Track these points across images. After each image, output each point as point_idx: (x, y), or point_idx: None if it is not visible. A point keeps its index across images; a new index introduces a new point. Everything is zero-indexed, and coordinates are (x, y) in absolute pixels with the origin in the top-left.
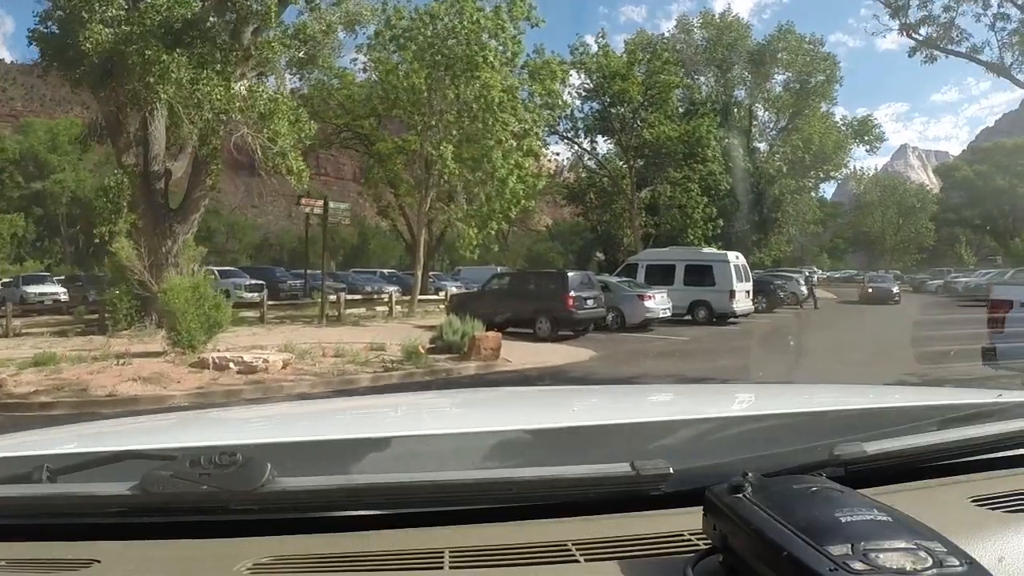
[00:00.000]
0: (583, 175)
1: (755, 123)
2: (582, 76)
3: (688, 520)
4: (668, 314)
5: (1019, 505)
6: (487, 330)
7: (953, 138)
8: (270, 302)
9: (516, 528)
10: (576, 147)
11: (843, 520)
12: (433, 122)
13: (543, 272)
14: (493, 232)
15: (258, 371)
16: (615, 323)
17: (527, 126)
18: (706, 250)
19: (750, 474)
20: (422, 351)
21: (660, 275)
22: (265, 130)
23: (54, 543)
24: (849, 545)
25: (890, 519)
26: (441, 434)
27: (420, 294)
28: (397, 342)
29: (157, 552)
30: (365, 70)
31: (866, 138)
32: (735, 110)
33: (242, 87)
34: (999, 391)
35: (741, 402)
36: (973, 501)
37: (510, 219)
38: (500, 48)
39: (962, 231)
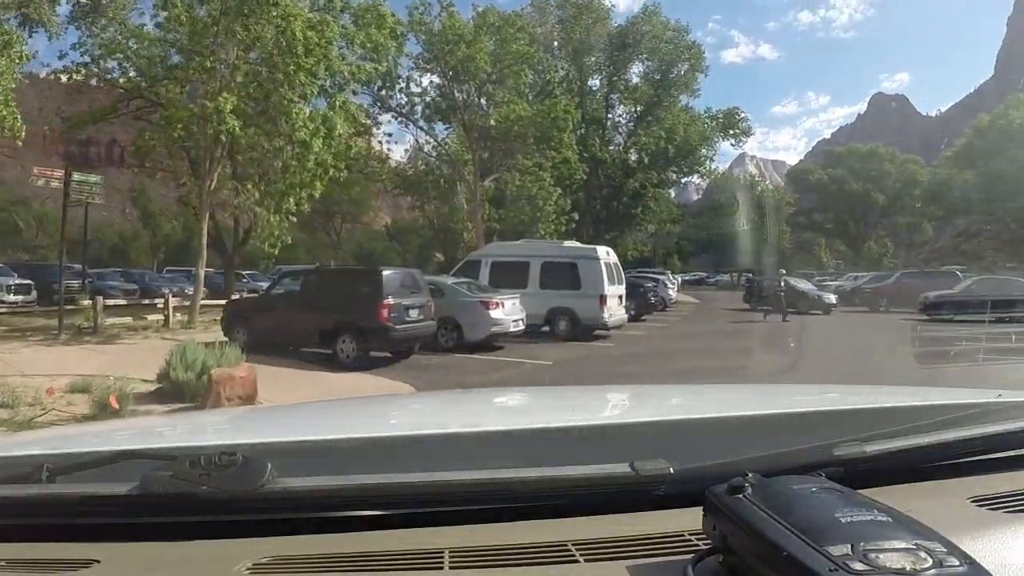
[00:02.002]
0: (421, 165)
1: (611, 113)
2: (421, 42)
3: (688, 520)
4: (521, 327)
5: (1019, 505)
6: (267, 352)
7: (792, 149)
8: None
9: (516, 528)
10: (411, 125)
11: (843, 520)
12: (209, 63)
13: (349, 270)
14: (293, 213)
15: None
16: (450, 340)
17: (343, 79)
18: (569, 244)
19: (750, 474)
20: (115, 404)
21: (510, 276)
22: None
23: (54, 543)
24: (849, 545)
25: (890, 519)
26: (441, 434)
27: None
28: (142, 372)
29: (157, 552)
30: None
31: (732, 131)
32: (591, 98)
33: None
34: (999, 391)
35: (741, 402)
36: (973, 501)
37: (314, 196)
38: None
39: (814, 235)
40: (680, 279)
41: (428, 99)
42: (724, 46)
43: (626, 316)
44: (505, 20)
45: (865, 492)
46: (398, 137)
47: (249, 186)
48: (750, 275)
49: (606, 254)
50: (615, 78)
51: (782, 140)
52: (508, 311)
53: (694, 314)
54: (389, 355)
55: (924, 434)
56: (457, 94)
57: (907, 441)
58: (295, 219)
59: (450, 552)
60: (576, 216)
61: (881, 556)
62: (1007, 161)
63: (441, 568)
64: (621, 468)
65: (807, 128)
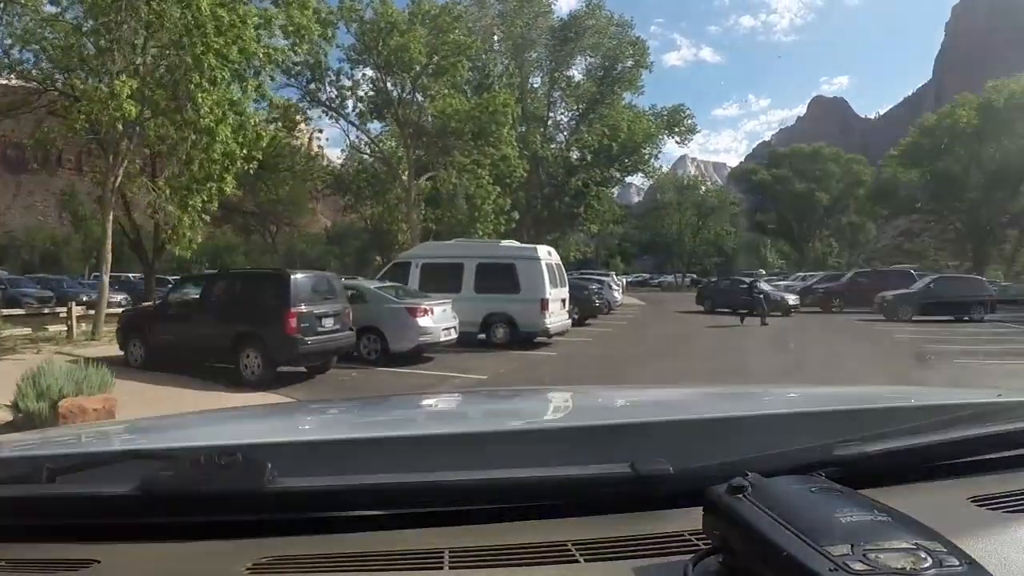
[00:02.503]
0: (356, 163)
1: (553, 111)
2: (352, 31)
3: (688, 520)
4: (453, 336)
5: (1019, 505)
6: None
7: (732, 151)
8: None
9: (516, 528)
10: (342, 121)
11: (843, 520)
12: (104, 42)
13: (253, 274)
14: (203, 211)
15: None
16: (373, 352)
17: (259, 63)
18: (506, 244)
19: (750, 474)
20: None
21: (442, 279)
22: None
23: (54, 543)
24: (849, 545)
25: (890, 519)
26: (441, 434)
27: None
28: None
29: (157, 552)
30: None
31: (677, 129)
32: (533, 95)
33: None
34: (999, 391)
35: (741, 402)
36: (973, 501)
37: (224, 191)
38: None
39: (758, 235)
40: (624, 280)
41: (361, 93)
42: (666, 49)
43: (570, 321)
44: (442, 9)
45: (865, 492)
46: (338, 135)
47: (159, 182)
48: (697, 276)
49: (547, 254)
50: (557, 74)
51: (723, 142)
52: (438, 318)
53: (643, 317)
54: (304, 370)
55: (924, 434)
56: (391, 88)
57: (907, 441)
58: (207, 217)
59: (450, 552)
60: (516, 215)
61: (881, 556)
62: (953, 160)
63: (441, 568)
64: (621, 468)
65: (748, 130)
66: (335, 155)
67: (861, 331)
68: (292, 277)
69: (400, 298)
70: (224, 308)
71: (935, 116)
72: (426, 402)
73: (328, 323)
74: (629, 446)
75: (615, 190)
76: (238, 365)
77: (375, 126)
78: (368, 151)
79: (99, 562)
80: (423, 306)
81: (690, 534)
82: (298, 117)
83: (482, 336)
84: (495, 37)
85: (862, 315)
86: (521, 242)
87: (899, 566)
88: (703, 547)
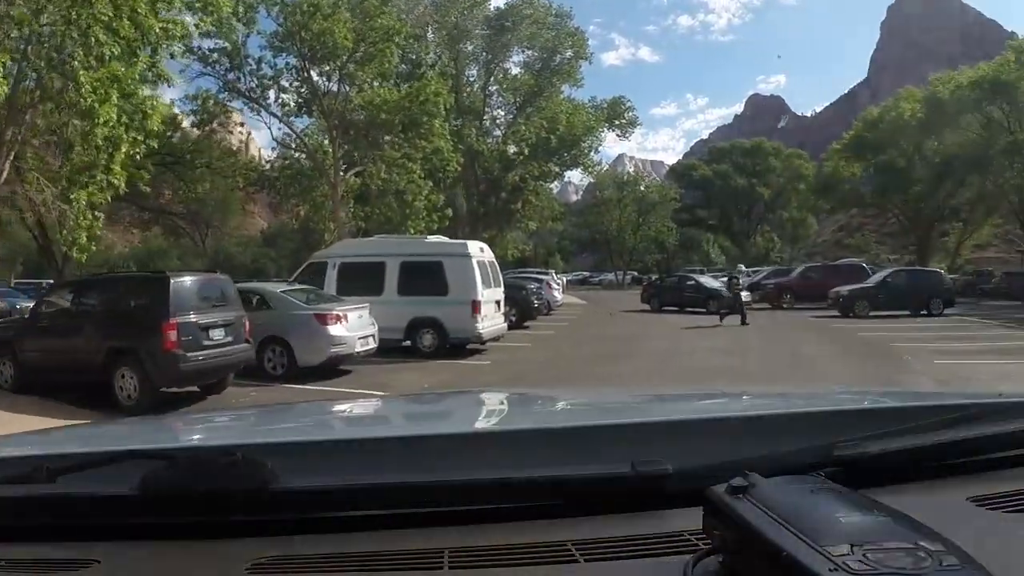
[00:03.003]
0: (283, 159)
1: (489, 103)
2: (273, 16)
3: (688, 520)
4: (372, 345)
5: (1019, 505)
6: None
7: (670, 149)
8: None
9: (516, 528)
10: (264, 113)
11: (843, 520)
12: None
13: (127, 278)
14: (83, 205)
15: None
16: (279, 367)
17: (155, 38)
18: (433, 240)
19: (750, 474)
20: None
21: (362, 280)
22: None
23: (54, 543)
24: (849, 545)
25: (890, 519)
26: (441, 434)
27: None
28: None
29: (157, 552)
30: None
31: (617, 122)
32: (468, 88)
33: None
34: (999, 391)
35: (741, 402)
36: (973, 501)
37: (115, 183)
38: None
39: (699, 231)
40: (564, 279)
41: (285, 84)
42: (605, 48)
43: (505, 325)
44: None
45: (865, 492)
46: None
47: (31, 174)
48: (638, 274)
49: (479, 251)
50: (494, 66)
51: (661, 141)
52: (353, 325)
53: (586, 318)
54: (196, 390)
55: (924, 434)
56: (315, 77)
57: (907, 441)
58: (99, 214)
59: (450, 552)
60: (450, 212)
61: (881, 556)
62: (898, 153)
63: (441, 568)
64: (621, 468)
65: (686, 129)
66: (267, 151)
67: (823, 329)
68: (172, 281)
69: (310, 303)
70: (95, 319)
71: (878, 109)
72: (426, 402)
73: (218, 335)
74: (629, 446)
75: (554, 185)
76: (113, 387)
77: (302, 120)
78: (294, 145)
79: (99, 562)
80: (335, 312)
81: (690, 534)
82: (215, 108)
83: (408, 343)
84: (429, 28)
85: (815, 311)
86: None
87: (899, 566)
88: (703, 547)
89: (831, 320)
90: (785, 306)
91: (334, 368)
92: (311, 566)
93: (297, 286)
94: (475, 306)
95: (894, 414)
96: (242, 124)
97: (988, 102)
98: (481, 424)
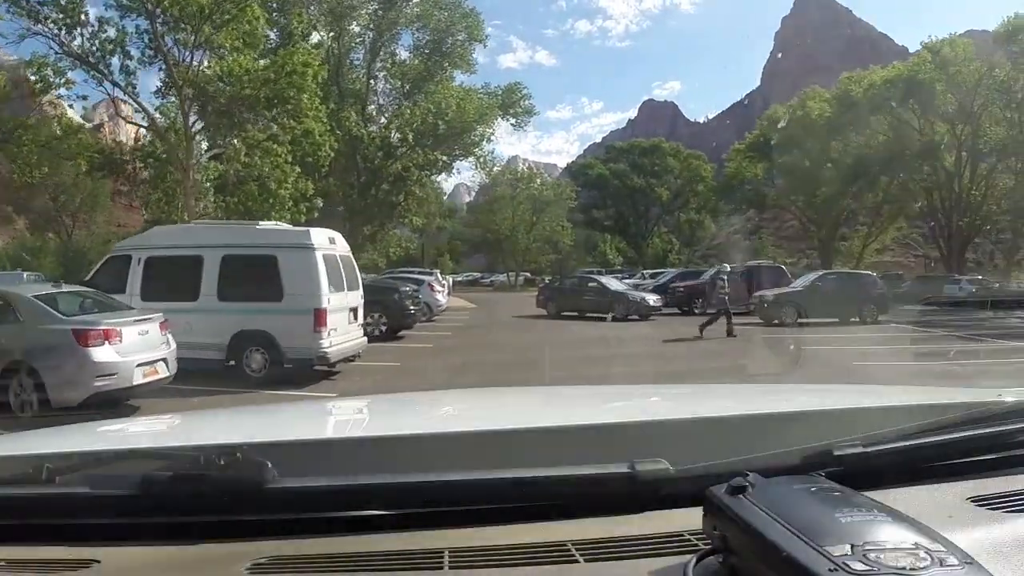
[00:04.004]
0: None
1: (374, 85)
2: None
3: (688, 520)
4: (165, 374)
5: (1019, 505)
6: None
7: (564, 152)
8: None
9: (516, 528)
10: (107, 84)
11: (843, 520)
12: None
13: None
14: None
15: None
16: (28, 405)
17: None
18: (267, 227)
19: (750, 474)
20: None
21: (174, 279)
22: None
23: (54, 543)
24: (849, 545)
25: (890, 519)
26: (441, 434)
27: None
28: None
29: (157, 552)
30: None
31: (512, 110)
32: (352, 70)
33: None
34: (999, 391)
35: (741, 402)
36: (973, 501)
37: None
38: None
39: (595, 232)
40: (451, 280)
41: (134, 51)
42: (503, 51)
43: (364, 339)
44: None
45: (865, 492)
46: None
47: None
48: (531, 275)
49: (328, 241)
50: (379, 45)
51: (555, 144)
52: (132, 346)
53: (474, 324)
54: None
55: (924, 434)
56: (168, 41)
57: (907, 441)
58: None
59: (450, 552)
60: (320, 203)
61: (881, 556)
62: (802, 154)
63: (441, 568)
64: (621, 468)
65: (580, 132)
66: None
67: (750, 340)
68: None
69: (70, 314)
70: None
71: (784, 108)
72: (426, 402)
73: None
74: (629, 446)
75: (447, 184)
76: None
77: (157, 96)
78: (145, 123)
79: (99, 562)
80: (103, 327)
81: (690, 534)
82: (54, 75)
83: (232, 364)
84: (310, 6)
85: (736, 317)
86: None
87: (899, 566)
88: (703, 547)
89: (756, 329)
90: (697, 311)
91: (117, 404)
92: (311, 566)
93: (67, 288)
94: (319, 315)
95: (894, 414)
96: (86, 97)
97: (900, 104)
98: (481, 423)
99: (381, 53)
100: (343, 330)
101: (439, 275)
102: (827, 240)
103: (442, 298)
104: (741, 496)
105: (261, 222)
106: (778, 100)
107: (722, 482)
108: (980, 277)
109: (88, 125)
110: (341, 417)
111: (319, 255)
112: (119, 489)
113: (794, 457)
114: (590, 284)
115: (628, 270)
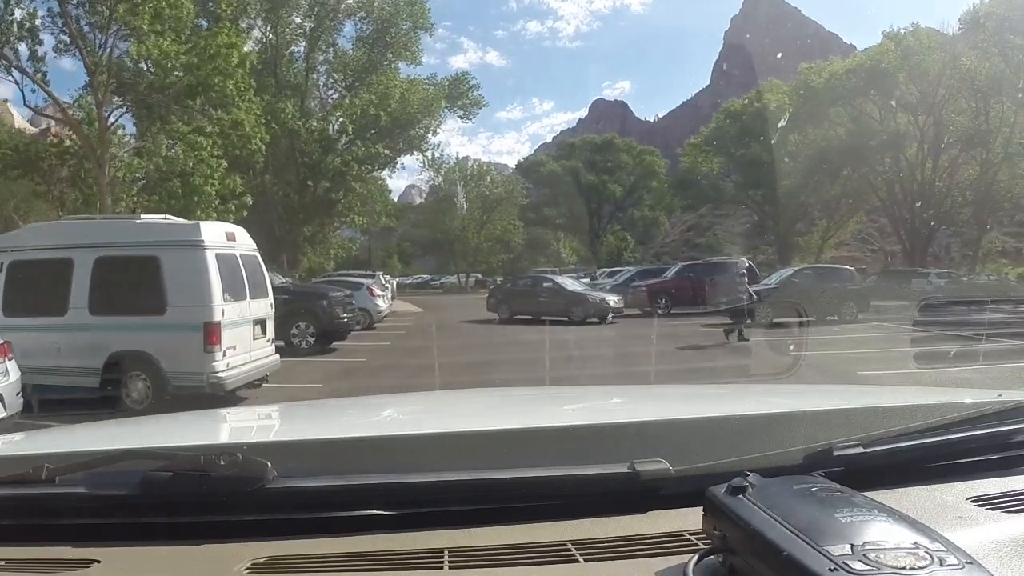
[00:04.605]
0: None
1: (317, 86)
2: None
3: (688, 520)
4: (6, 413)
5: (1019, 505)
6: None
7: (515, 152)
8: None
9: (516, 528)
10: (16, 73)
11: (843, 520)
12: None
13: None
14: None
15: None
16: None
17: None
18: (149, 220)
19: (750, 474)
20: None
21: (40, 288)
22: None
23: (54, 543)
24: (849, 545)
25: (890, 519)
26: (441, 434)
27: None
28: None
29: (157, 553)
30: None
31: (460, 102)
32: (291, 62)
33: None
34: (999, 391)
35: (741, 402)
36: (973, 501)
37: None
38: None
39: (547, 230)
40: (395, 283)
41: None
42: (453, 52)
43: (276, 358)
44: None
45: (865, 492)
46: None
47: None
48: (482, 276)
49: (225, 237)
50: (319, 33)
51: (506, 144)
52: None
53: (418, 331)
54: None
55: (924, 434)
56: (82, 23)
57: (907, 441)
58: None
59: (450, 552)
60: (250, 200)
61: (881, 555)
62: (761, 147)
63: (441, 568)
64: (621, 468)
65: (531, 132)
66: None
67: (737, 347)
68: None
69: None
70: None
71: (740, 102)
72: (426, 402)
73: None
74: (629, 446)
75: (399, 182)
76: None
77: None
78: (59, 115)
79: (99, 562)
80: None
81: (690, 534)
82: None
83: (111, 392)
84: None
85: (702, 319)
86: (269, 241)
87: (899, 566)
88: (703, 547)
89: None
90: (661, 312)
91: None
92: (311, 566)
93: None
94: (210, 331)
95: (894, 414)
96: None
97: (862, 94)
98: (481, 424)
99: (321, 44)
100: (245, 348)
101: (381, 278)
102: (784, 235)
103: (383, 303)
104: (741, 496)
105: (144, 215)
106: (726, 99)
107: (722, 482)
108: (949, 271)
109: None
110: (341, 417)
111: (211, 255)
112: (119, 489)
113: (794, 457)
114: (545, 285)
115: (583, 269)
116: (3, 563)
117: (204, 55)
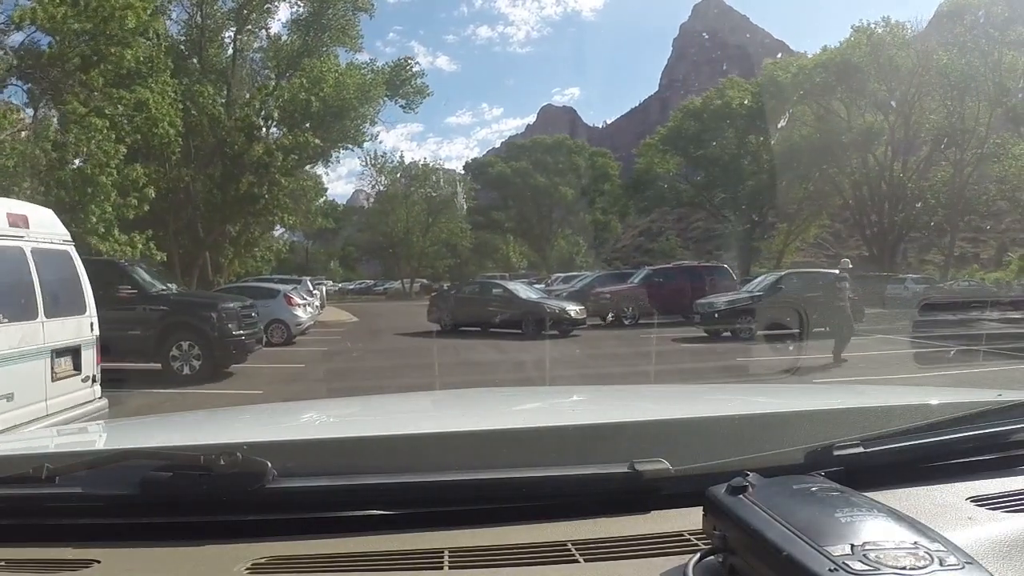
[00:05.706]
0: None
1: (250, 70)
2: None
3: (688, 520)
4: None
5: (1019, 505)
6: None
7: (463, 158)
8: None
9: (516, 528)
10: None
11: (843, 520)
12: None
13: None
14: None
15: None
16: None
17: None
18: None
19: (750, 474)
20: None
21: None
22: None
23: (54, 543)
24: (849, 545)
25: (890, 519)
26: (441, 434)
27: None
28: None
29: (157, 553)
30: None
31: (402, 90)
32: (215, 45)
33: None
34: (999, 391)
35: (741, 402)
36: (973, 501)
37: None
38: None
39: (499, 235)
40: (324, 289)
41: None
42: (402, 55)
43: (102, 403)
44: None
45: (865, 492)
46: None
47: None
48: (427, 281)
49: (5, 221)
50: (247, 15)
51: (455, 149)
52: None
53: (341, 352)
54: None
55: (924, 434)
56: None
57: (907, 441)
58: None
59: (450, 552)
60: (152, 193)
61: (881, 555)
62: (721, 147)
63: (441, 568)
64: (621, 468)
65: (480, 138)
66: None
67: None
68: None
69: None
70: None
71: (700, 100)
72: (426, 402)
73: None
74: (629, 446)
75: (320, 166)
76: None
77: None
78: None
79: (99, 562)
80: None
81: (690, 534)
82: None
83: None
84: None
85: (672, 330)
86: (177, 244)
87: (899, 566)
88: (703, 547)
89: (715, 346)
90: (627, 322)
91: None
92: (311, 566)
93: None
94: None
95: (894, 414)
96: None
97: (830, 91)
98: (481, 424)
99: (252, 26)
100: (33, 396)
101: (309, 283)
102: (744, 239)
103: (304, 313)
104: (741, 496)
105: None
106: (675, 105)
107: (722, 482)
108: (926, 277)
109: None
110: (341, 417)
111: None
112: (119, 489)
113: (794, 457)
114: (495, 292)
115: (533, 274)
116: (3, 563)
117: (96, 17)
